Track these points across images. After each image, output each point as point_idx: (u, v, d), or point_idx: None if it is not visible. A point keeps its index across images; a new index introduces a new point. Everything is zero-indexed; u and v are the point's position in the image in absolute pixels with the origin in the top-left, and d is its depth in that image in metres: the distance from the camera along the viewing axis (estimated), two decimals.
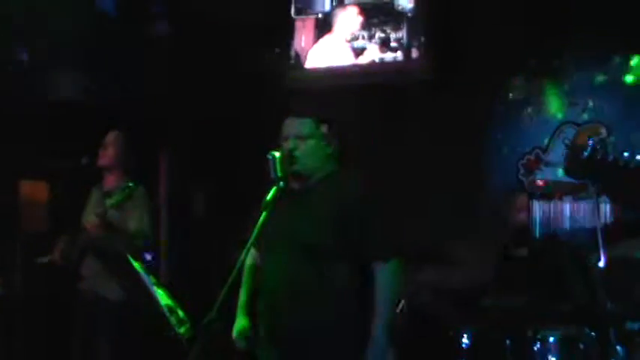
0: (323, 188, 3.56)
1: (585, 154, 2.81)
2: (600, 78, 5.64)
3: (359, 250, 3.45)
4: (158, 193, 6.57)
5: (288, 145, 3.54)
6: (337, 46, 6.29)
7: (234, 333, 3.62)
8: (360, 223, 3.45)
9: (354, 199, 3.50)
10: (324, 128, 3.60)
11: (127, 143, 5.11)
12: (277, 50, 6.47)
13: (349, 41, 6.26)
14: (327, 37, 6.36)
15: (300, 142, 3.54)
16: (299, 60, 6.42)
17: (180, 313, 3.27)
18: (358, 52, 6.23)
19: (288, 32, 6.42)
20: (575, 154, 2.83)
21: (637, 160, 2.85)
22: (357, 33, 6.24)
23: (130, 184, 4.64)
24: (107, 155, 5.04)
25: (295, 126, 3.57)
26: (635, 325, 4.38)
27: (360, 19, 6.24)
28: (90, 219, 4.83)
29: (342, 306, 3.46)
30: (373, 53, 6.17)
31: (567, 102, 5.78)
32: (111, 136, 5.11)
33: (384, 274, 3.43)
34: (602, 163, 2.80)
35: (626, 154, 2.84)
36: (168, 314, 3.20)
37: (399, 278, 3.47)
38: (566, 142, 5.69)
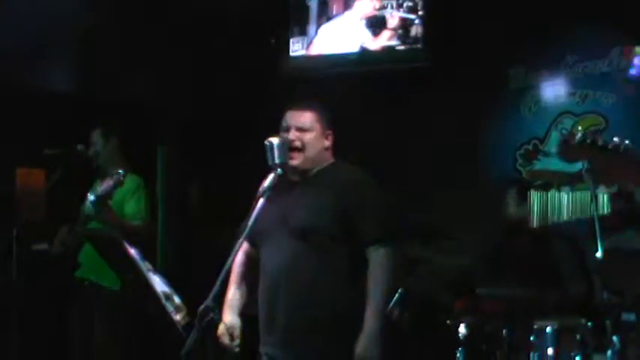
0: (322, 178, 3.57)
1: (577, 138, 2.84)
2: (599, 69, 5.62)
3: (355, 235, 3.45)
4: (155, 185, 6.57)
5: (289, 136, 3.53)
6: (344, 30, 6.27)
7: (220, 330, 3.61)
8: (357, 208, 3.46)
9: (351, 185, 3.52)
10: (323, 121, 3.60)
11: (105, 134, 5.10)
12: (275, 38, 6.44)
13: (357, 27, 6.23)
14: (333, 22, 6.33)
15: (302, 134, 3.54)
16: (298, 47, 6.40)
17: (177, 299, 3.27)
18: (365, 37, 6.20)
19: (288, 19, 6.40)
20: (566, 139, 2.85)
21: (626, 144, 2.87)
22: (366, 18, 6.21)
23: (120, 171, 4.64)
24: (93, 155, 5.05)
25: (297, 118, 3.58)
26: (632, 316, 4.38)
27: (371, 4, 6.20)
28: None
29: (343, 293, 3.46)
30: (383, 39, 6.14)
31: (565, 92, 5.78)
32: (92, 136, 5.11)
33: (377, 260, 3.44)
34: (593, 146, 2.83)
35: (615, 138, 2.85)
36: (164, 301, 3.19)
37: (391, 264, 3.47)
38: (564, 132, 5.69)
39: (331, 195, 3.49)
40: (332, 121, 3.66)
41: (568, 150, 2.88)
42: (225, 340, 3.62)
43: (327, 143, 3.63)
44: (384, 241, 3.46)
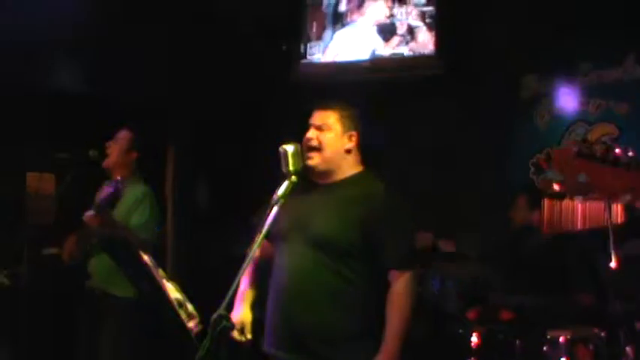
0: (349, 188, 3.48)
1: (574, 149, 2.78)
2: (613, 77, 5.60)
3: (378, 256, 3.39)
4: (164, 189, 6.56)
5: (308, 134, 3.49)
6: (357, 36, 6.28)
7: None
8: (383, 229, 3.38)
9: (379, 203, 3.43)
10: (345, 121, 3.54)
11: (131, 141, 5.05)
12: (286, 44, 6.45)
13: (369, 33, 6.23)
14: (347, 28, 6.36)
15: (319, 133, 3.49)
16: (310, 53, 6.41)
17: (190, 307, 3.24)
18: (377, 44, 6.20)
19: (301, 24, 6.40)
20: (565, 151, 2.78)
21: (629, 155, 2.80)
22: (377, 25, 6.21)
23: (118, 178, 4.59)
24: (110, 155, 5.00)
25: (317, 117, 3.53)
26: None
27: (382, 11, 6.21)
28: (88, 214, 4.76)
29: (357, 308, 3.41)
30: (392, 45, 6.13)
31: (579, 101, 5.75)
32: (118, 135, 5.07)
33: (399, 285, 3.38)
34: (590, 157, 2.77)
35: (617, 150, 2.80)
36: (177, 308, 3.16)
37: (413, 289, 3.42)
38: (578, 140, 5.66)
39: (357, 209, 3.40)
40: (358, 123, 3.56)
41: (563, 161, 2.81)
42: (235, 334, 3.57)
43: (350, 145, 3.52)
44: (407, 266, 3.42)
